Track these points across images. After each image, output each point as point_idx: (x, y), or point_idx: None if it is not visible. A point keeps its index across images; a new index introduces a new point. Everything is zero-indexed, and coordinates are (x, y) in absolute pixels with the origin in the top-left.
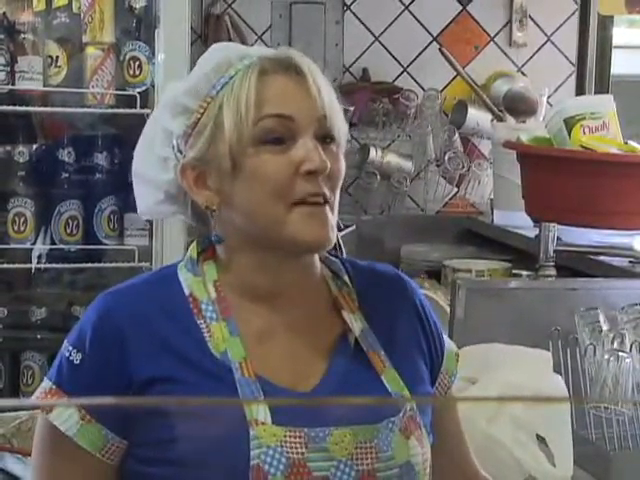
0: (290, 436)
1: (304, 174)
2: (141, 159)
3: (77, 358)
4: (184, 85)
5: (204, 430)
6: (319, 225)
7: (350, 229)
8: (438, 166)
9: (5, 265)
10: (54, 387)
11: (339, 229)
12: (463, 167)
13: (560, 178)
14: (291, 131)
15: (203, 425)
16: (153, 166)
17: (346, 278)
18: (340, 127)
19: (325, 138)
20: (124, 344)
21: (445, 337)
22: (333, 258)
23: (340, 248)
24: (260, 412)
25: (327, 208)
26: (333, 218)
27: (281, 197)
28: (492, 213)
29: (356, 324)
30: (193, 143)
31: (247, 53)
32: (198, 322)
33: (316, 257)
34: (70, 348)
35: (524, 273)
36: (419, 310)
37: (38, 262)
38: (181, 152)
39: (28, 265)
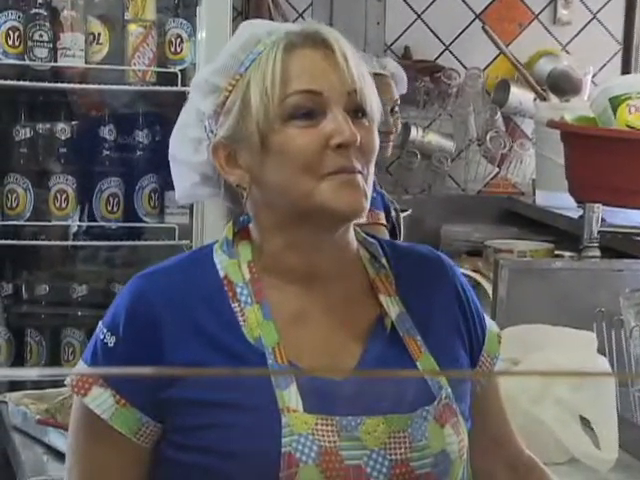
0: (322, 424)
1: (334, 147)
2: (176, 142)
3: (111, 341)
4: (214, 64)
5: (236, 417)
6: (351, 192)
7: (407, 212)
8: (479, 146)
9: (45, 242)
10: (87, 368)
11: (396, 212)
12: (505, 147)
13: (605, 158)
14: (320, 106)
15: (235, 412)
16: (187, 148)
17: (384, 261)
18: (372, 101)
19: (357, 112)
20: (158, 328)
21: (487, 319)
22: (371, 239)
23: (399, 230)
24: (292, 399)
25: (359, 177)
26: (365, 186)
27: (312, 170)
28: (534, 194)
29: (393, 308)
30: (223, 122)
31: (275, 29)
32: (233, 306)
33: (352, 236)
34: (105, 331)
35: (567, 254)
36: (459, 293)
37: (79, 239)
38: (213, 132)
39: (69, 242)
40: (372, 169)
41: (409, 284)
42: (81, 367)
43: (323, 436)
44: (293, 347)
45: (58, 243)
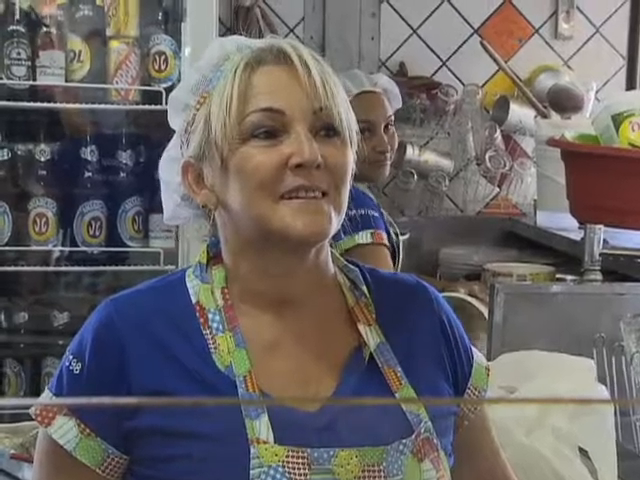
0: (293, 456)
1: (293, 167)
2: (162, 162)
3: (77, 368)
4: (185, 82)
5: (204, 448)
6: (310, 215)
7: (406, 236)
8: (478, 165)
9: (26, 268)
10: (53, 398)
11: (396, 236)
12: (505, 166)
13: (606, 178)
14: (283, 125)
15: (203, 442)
16: (169, 168)
17: (364, 288)
18: (344, 119)
19: (327, 131)
20: (125, 355)
21: (475, 351)
22: (352, 266)
23: (398, 254)
24: (262, 430)
25: (324, 201)
26: (332, 210)
27: (269, 191)
28: (535, 214)
29: (372, 338)
30: (190, 140)
31: (244, 45)
32: (204, 333)
33: (327, 261)
34: (70, 357)
35: (569, 277)
36: (444, 324)
37: (60, 265)
38: (183, 151)
39: (49, 268)
40: (344, 190)
41: (390, 313)
42: (46, 395)
43: (294, 469)
44: (265, 377)
45: (38, 269)
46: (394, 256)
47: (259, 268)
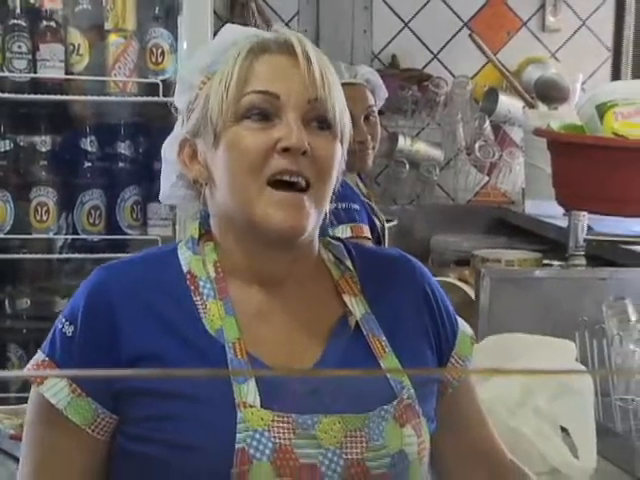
0: (278, 421)
1: (280, 151)
2: (166, 142)
3: (69, 331)
4: (191, 62)
5: (191, 409)
6: (290, 212)
7: (393, 223)
8: (468, 154)
9: (28, 255)
10: (47, 359)
11: (382, 223)
12: (494, 155)
13: (590, 166)
14: (276, 109)
15: (190, 404)
16: (171, 147)
17: (348, 262)
18: (338, 114)
19: (320, 123)
20: (115, 318)
21: (460, 321)
22: (336, 242)
23: (384, 242)
24: (250, 394)
25: (305, 197)
26: (312, 206)
27: (256, 172)
28: (524, 202)
29: (357, 308)
30: (190, 118)
31: (252, 34)
32: (194, 299)
33: (312, 243)
34: (63, 320)
35: (555, 263)
36: (428, 294)
37: (60, 252)
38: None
39: (51, 255)
40: (328, 183)
41: (375, 285)
42: (39, 357)
43: (279, 433)
44: (254, 342)
45: (40, 256)
46: (379, 245)
47: (245, 249)
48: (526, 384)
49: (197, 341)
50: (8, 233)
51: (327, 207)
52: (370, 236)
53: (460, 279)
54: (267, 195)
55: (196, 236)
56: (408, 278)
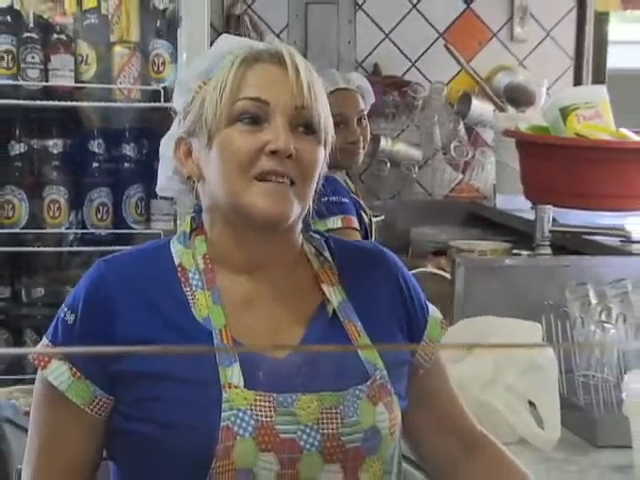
0: (260, 400)
1: (268, 153)
2: (163, 139)
3: (70, 319)
4: (190, 69)
5: (181, 391)
6: (275, 200)
7: (380, 218)
8: (444, 154)
9: (42, 248)
10: (50, 344)
11: (369, 218)
12: (468, 155)
13: (555, 164)
14: (266, 114)
15: (180, 386)
16: (167, 144)
17: (327, 254)
18: (322, 121)
19: (306, 128)
20: (113, 308)
21: (431, 307)
22: (316, 236)
23: (371, 235)
24: (234, 376)
25: (290, 190)
26: (295, 198)
27: (244, 171)
28: (495, 197)
29: (335, 296)
30: (186, 118)
31: (245, 44)
32: (185, 289)
33: (296, 235)
34: (65, 310)
35: (523, 252)
36: (401, 283)
37: (71, 245)
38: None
39: (62, 248)
40: (311, 183)
41: (351, 275)
42: (43, 342)
43: (261, 411)
44: (239, 329)
45: (52, 249)
46: (367, 237)
47: (234, 239)
48: (497, 363)
49: (187, 328)
50: (23, 228)
51: (309, 204)
52: (358, 227)
53: (439, 268)
54: (254, 186)
55: (187, 230)
56: (382, 269)
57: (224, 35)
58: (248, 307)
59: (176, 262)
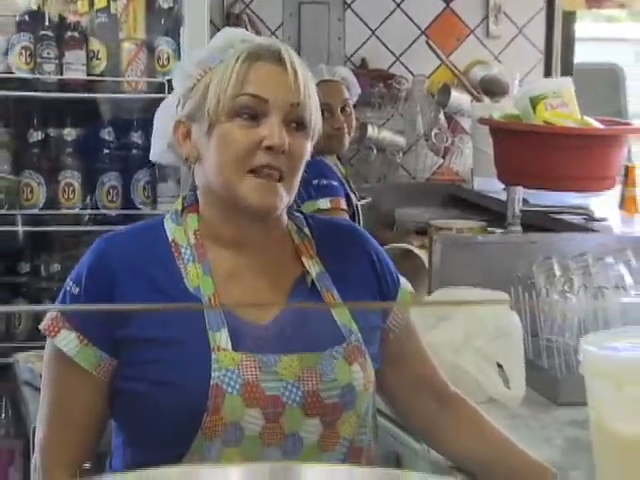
0: (246, 360)
1: (264, 148)
2: (157, 114)
3: (75, 291)
4: (191, 57)
5: (176, 353)
6: (266, 194)
7: (367, 200)
8: (426, 140)
9: (58, 228)
10: (58, 315)
11: (357, 200)
12: (447, 141)
13: (525, 148)
14: (264, 111)
15: (175, 349)
16: (161, 116)
17: (307, 230)
18: (313, 118)
19: (297, 124)
20: (113, 279)
21: (402, 279)
22: (297, 214)
23: (358, 216)
24: (222, 340)
25: (279, 184)
26: (284, 192)
27: (240, 164)
28: (472, 180)
29: (313, 268)
30: (187, 103)
31: (248, 38)
32: (177, 262)
33: (279, 217)
34: (71, 283)
35: (498, 230)
36: (373, 257)
37: (85, 225)
38: (178, 110)
39: (76, 228)
40: (298, 174)
41: (328, 249)
42: (51, 313)
43: (247, 371)
44: (227, 297)
45: (68, 228)
46: (354, 218)
47: (222, 218)
48: (468, 329)
49: (179, 297)
50: (41, 209)
51: (296, 191)
52: (346, 208)
53: (421, 245)
54: (247, 180)
55: (180, 209)
56: (356, 244)
57: (226, 28)
58: (235, 278)
59: (169, 238)
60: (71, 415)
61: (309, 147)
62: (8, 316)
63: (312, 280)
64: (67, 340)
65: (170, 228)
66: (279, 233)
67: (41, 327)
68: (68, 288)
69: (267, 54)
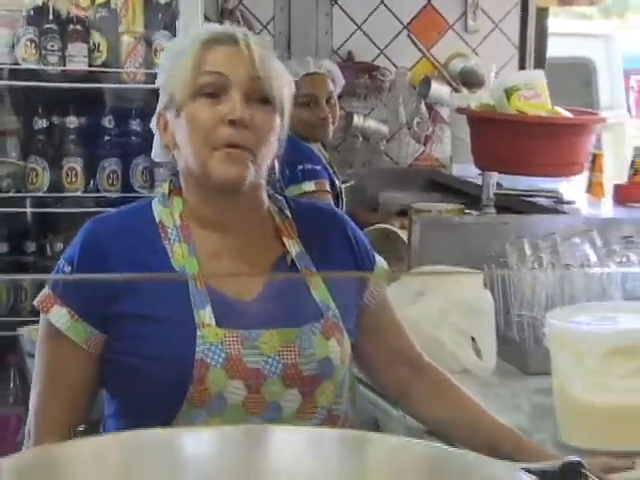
0: (229, 336)
1: (227, 123)
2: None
3: (68, 269)
4: (165, 50)
5: (162, 329)
6: (233, 165)
7: (350, 183)
8: (408, 129)
9: (62, 209)
10: (51, 292)
11: (340, 183)
12: (428, 129)
13: (500, 136)
14: (225, 88)
15: (162, 325)
16: (154, 119)
17: (288, 212)
18: (277, 92)
19: (261, 100)
20: (103, 258)
21: (377, 257)
22: (279, 196)
23: (342, 198)
24: (206, 316)
25: (246, 153)
26: (251, 163)
27: (207, 141)
28: (451, 166)
29: (294, 248)
30: (162, 96)
31: (212, 29)
32: (164, 243)
33: (262, 196)
34: (63, 262)
35: (474, 212)
36: (349, 237)
37: (87, 207)
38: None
39: (79, 209)
40: (266, 149)
41: (308, 230)
42: (45, 290)
43: (230, 345)
44: (210, 277)
45: (71, 210)
46: (338, 200)
47: (202, 200)
48: (443, 305)
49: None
50: (46, 192)
51: (266, 166)
52: (330, 190)
53: (402, 227)
54: (215, 155)
55: (166, 192)
56: (334, 225)
57: (202, 25)
58: (218, 258)
59: (157, 220)
60: (63, 385)
61: (277, 121)
62: (15, 292)
63: (292, 259)
64: (59, 315)
65: (157, 210)
66: (260, 214)
67: (35, 303)
68: (61, 266)
69: (223, 37)
